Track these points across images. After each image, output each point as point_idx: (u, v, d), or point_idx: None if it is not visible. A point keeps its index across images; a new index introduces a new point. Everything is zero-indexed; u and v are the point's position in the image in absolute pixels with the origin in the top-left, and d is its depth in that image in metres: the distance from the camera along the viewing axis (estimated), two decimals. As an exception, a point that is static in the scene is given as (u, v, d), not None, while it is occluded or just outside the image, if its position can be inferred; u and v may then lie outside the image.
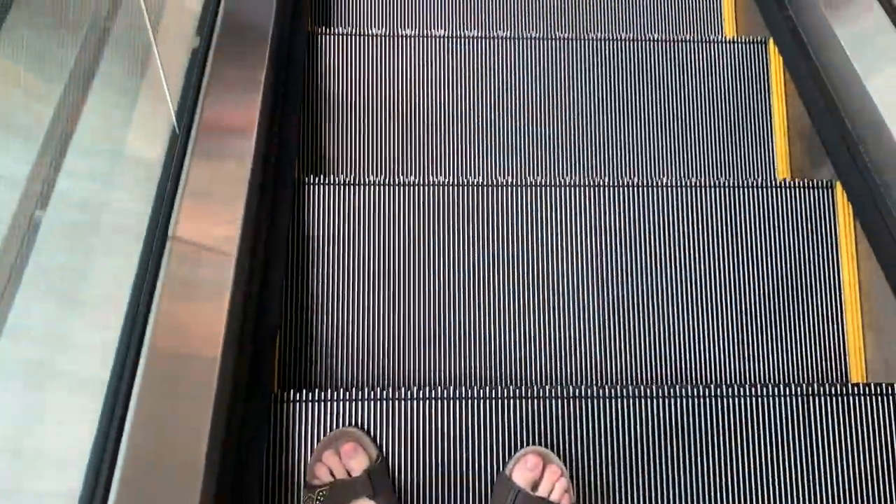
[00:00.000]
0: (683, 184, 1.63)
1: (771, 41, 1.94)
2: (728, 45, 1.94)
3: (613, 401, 1.33)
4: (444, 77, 1.87)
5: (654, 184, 1.63)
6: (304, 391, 1.29)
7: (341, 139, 1.82)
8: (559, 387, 1.34)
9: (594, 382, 1.51)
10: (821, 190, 1.64)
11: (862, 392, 1.36)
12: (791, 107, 1.88)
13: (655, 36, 1.93)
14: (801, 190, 1.64)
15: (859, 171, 1.54)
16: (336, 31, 1.87)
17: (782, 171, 1.86)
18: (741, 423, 1.33)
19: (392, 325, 1.51)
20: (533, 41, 1.91)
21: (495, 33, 1.92)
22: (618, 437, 1.31)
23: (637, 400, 1.32)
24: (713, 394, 1.34)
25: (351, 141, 1.82)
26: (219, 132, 1.29)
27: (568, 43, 1.91)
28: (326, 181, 1.57)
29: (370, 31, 1.88)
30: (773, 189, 1.63)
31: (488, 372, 1.50)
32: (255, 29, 1.52)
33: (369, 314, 1.51)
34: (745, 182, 1.64)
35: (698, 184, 1.63)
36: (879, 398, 1.36)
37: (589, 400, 1.33)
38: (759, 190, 1.63)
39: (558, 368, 1.51)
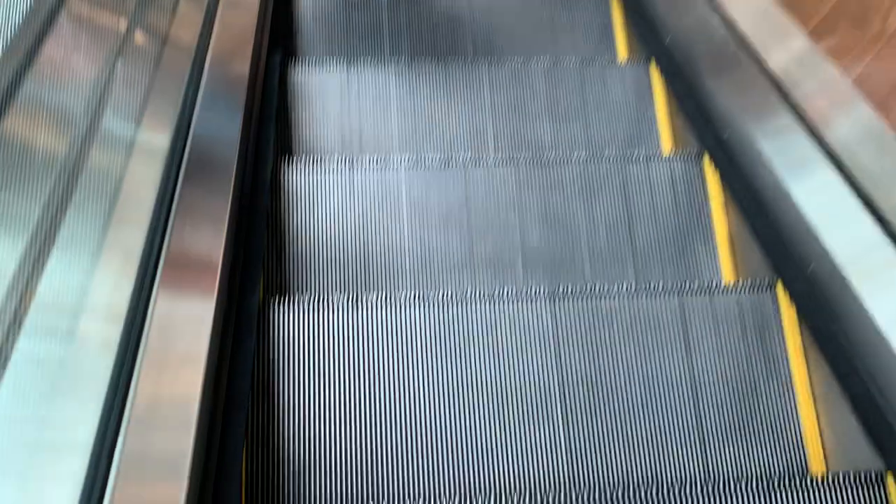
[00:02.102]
0: (633, 291, 1.71)
1: (706, 155, 2.09)
2: (666, 161, 2.09)
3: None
4: (401, 207, 1.98)
5: (608, 293, 1.71)
6: (273, 518, 1.30)
7: (307, 266, 1.88)
8: (539, 496, 1.36)
9: (561, 491, 1.52)
10: (763, 291, 1.73)
11: (821, 484, 1.39)
12: (731, 215, 2.00)
13: (597, 155, 2.08)
14: (744, 292, 1.72)
15: (797, 274, 1.64)
16: (299, 166, 1.98)
17: (727, 275, 1.96)
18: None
19: (363, 445, 1.52)
20: (485, 164, 2.04)
21: (450, 164, 2.05)
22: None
23: (604, 506, 1.34)
24: (678, 494, 1.36)
25: (316, 267, 1.89)
26: (185, 270, 1.35)
27: (516, 163, 2.04)
28: (291, 302, 1.62)
29: (331, 163, 2.00)
30: (717, 293, 1.72)
31: (460, 486, 1.51)
32: (220, 167, 1.61)
33: (339, 436, 1.52)
34: (692, 287, 1.72)
35: (646, 292, 1.71)
36: (841, 488, 1.40)
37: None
38: (705, 294, 1.71)
39: (527, 477, 1.53)
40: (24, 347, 0.95)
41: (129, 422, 1.09)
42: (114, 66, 1.44)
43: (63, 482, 0.98)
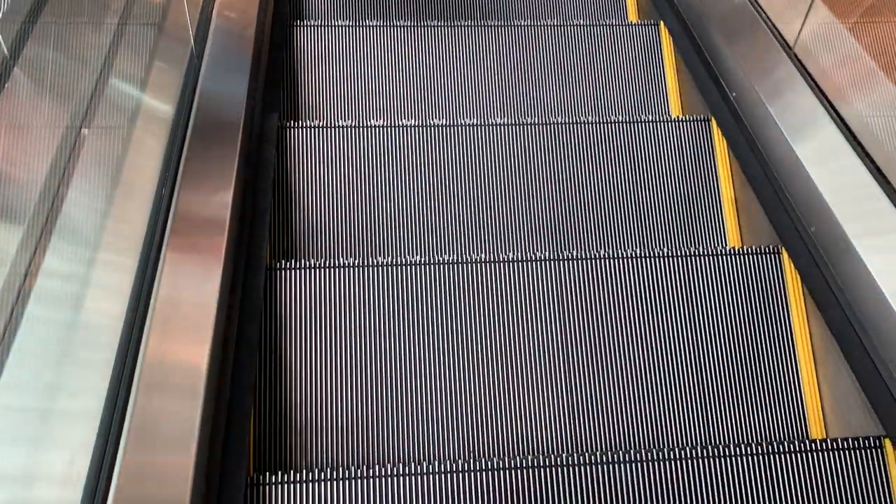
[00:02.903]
0: (638, 254, 1.72)
1: (713, 119, 2.07)
2: (674, 124, 2.07)
3: (586, 467, 1.36)
4: (410, 163, 1.97)
5: (615, 256, 1.71)
6: (280, 473, 1.32)
7: (312, 225, 1.89)
8: (541, 456, 1.38)
9: (563, 450, 1.54)
10: (768, 255, 1.73)
11: (821, 448, 1.41)
12: (737, 178, 2.00)
13: (605, 118, 2.06)
14: (749, 256, 1.73)
15: (801, 239, 1.64)
16: (306, 123, 1.97)
17: (733, 240, 1.96)
18: (710, 485, 1.37)
19: (367, 401, 1.54)
20: (496, 127, 2.03)
21: (459, 120, 2.03)
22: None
23: (605, 466, 1.36)
24: (679, 456, 1.39)
25: (321, 227, 1.89)
26: (192, 233, 1.36)
27: (528, 128, 2.03)
28: (297, 265, 1.63)
29: (338, 123, 1.99)
30: (723, 256, 1.72)
31: (461, 444, 1.53)
32: (226, 130, 1.61)
33: (344, 393, 1.54)
34: (698, 251, 1.72)
35: (653, 255, 1.71)
36: (840, 453, 1.42)
37: (567, 468, 1.36)
38: (710, 258, 1.72)
39: (530, 437, 1.55)
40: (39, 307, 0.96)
41: (141, 374, 1.11)
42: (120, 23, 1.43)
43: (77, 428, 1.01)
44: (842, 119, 1.63)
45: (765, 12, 1.92)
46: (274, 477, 1.31)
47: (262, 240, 1.68)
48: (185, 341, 1.21)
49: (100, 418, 1.03)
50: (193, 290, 1.28)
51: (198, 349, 1.20)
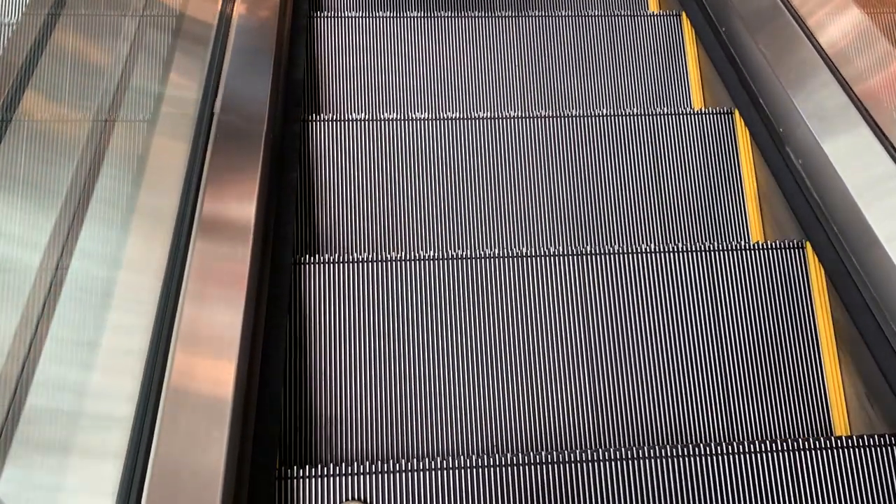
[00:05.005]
0: (662, 249, 1.71)
1: (737, 111, 2.06)
2: (696, 117, 2.06)
3: (606, 463, 1.37)
4: (429, 157, 1.97)
5: (636, 251, 1.71)
6: (308, 467, 1.33)
7: (335, 221, 1.90)
8: (565, 452, 1.38)
9: (586, 446, 1.55)
10: (792, 250, 1.73)
11: (845, 445, 1.41)
12: (761, 171, 1.98)
13: (628, 111, 2.05)
14: (773, 251, 1.72)
15: (825, 232, 1.63)
16: (326, 116, 1.98)
17: (756, 234, 1.95)
18: (732, 481, 1.37)
19: (392, 396, 1.56)
20: (512, 120, 2.02)
21: (476, 113, 2.03)
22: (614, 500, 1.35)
23: (628, 462, 1.37)
24: (702, 452, 1.39)
25: (343, 223, 1.90)
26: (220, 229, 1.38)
27: (546, 121, 2.03)
28: (321, 260, 1.64)
29: (355, 117, 1.99)
30: (746, 251, 1.72)
31: (485, 440, 1.54)
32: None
33: (370, 387, 1.56)
34: (720, 245, 1.72)
35: (675, 250, 1.71)
36: (865, 450, 1.41)
37: (587, 464, 1.37)
38: (733, 252, 1.71)
39: (554, 433, 1.56)
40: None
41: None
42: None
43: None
44: (869, 113, 1.61)
45: (789, 2, 1.91)
46: (301, 471, 1.32)
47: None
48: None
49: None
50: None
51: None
